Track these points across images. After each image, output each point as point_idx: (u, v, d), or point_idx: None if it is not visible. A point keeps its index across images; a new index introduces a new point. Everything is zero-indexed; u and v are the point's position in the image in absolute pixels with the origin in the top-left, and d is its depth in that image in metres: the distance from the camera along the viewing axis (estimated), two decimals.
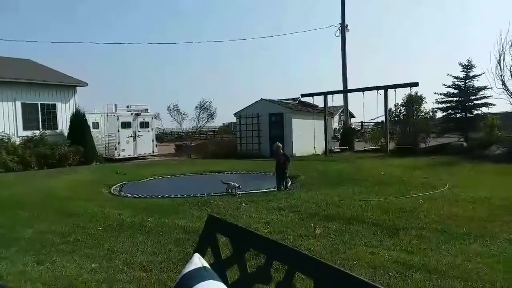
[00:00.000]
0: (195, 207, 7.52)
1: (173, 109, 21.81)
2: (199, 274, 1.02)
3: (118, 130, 19.52)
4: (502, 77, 18.42)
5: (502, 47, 18.30)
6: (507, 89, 18.41)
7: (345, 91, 23.77)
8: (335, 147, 22.67)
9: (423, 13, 77.08)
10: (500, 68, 18.38)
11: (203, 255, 1.32)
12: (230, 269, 1.22)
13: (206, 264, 1.11)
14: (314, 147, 20.90)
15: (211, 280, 0.99)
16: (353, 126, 29.41)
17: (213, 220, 1.42)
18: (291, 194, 8.81)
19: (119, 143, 19.51)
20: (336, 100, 23.32)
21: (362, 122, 34.04)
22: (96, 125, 20.12)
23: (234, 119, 22.92)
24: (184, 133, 25.27)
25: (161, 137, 35.28)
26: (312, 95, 21.74)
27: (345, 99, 24.90)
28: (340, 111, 28.97)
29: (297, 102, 23.30)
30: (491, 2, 66.88)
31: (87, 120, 18.53)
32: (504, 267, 4.00)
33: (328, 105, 21.52)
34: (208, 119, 21.86)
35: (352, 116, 30.77)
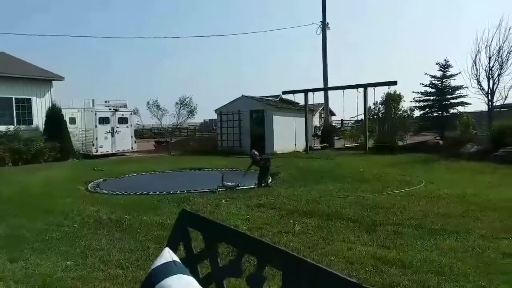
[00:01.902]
0: (174, 204, 7.45)
1: (152, 104, 21.50)
2: (169, 269, 1.00)
3: (96, 126, 19.12)
4: (478, 77, 19.03)
5: (478, 47, 18.91)
6: (482, 89, 19.03)
7: (326, 89, 23.97)
8: (315, 145, 22.86)
9: (403, 12, 78.46)
10: (476, 68, 18.98)
11: (175, 250, 1.29)
12: (202, 263, 1.21)
13: (176, 259, 1.09)
14: (295, 144, 21.02)
15: (181, 274, 0.97)
16: (333, 124, 29.74)
17: (185, 214, 1.40)
18: (271, 191, 8.83)
19: (96, 139, 19.13)
20: (316, 98, 23.50)
21: (342, 120, 34.43)
22: (73, 121, 19.66)
23: (215, 116, 22.78)
24: (164, 129, 24.95)
25: (141, 133, 34.83)
26: (293, 92, 21.83)
27: (326, 97, 25.09)
28: (321, 108, 29.24)
29: (278, 99, 23.36)
30: (469, 3, 68.63)
31: (64, 115, 18.06)
32: (476, 261, 4.11)
33: (309, 103, 21.67)
34: (188, 115, 21.64)
35: (333, 114, 31.11)
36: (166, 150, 21.81)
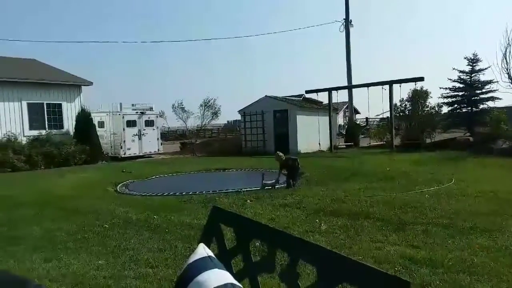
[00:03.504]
0: (200, 204, 7.54)
1: (177, 107, 21.86)
2: (205, 263, 1.03)
3: (124, 129, 19.60)
4: (508, 70, 18.28)
5: (508, 40, 18.17)
6: None
7: (350, 87, 23.68)
8: (340, 143, 22.63)
9: (428, 7, 76.48)
10: (506, 61, 18.23)
11: (208, 245, 1.33)
12: (235, 259, 1.23)
13: (211, 254, 1.12)
14: (319, 144, 20.87)
15: (216, 269, 1.00)
16: (358, 122, 29.33)
17: (217, 211, 1.44)
18: (297, 191, 8.81)
19: (124, 141, 19.60)
20: (340, 96, 23.31)
21: (367, 118, 33.91)
22: (101, 124, 20.21)
23: (238, 117, 22.91)
24: (189, 131, 25.30)
25: (166, 135, 35.41)
26: (316, 91, 21.68)
27: (350, 95, 24.82)
28: (345, 107, 28.92)
29: (301, 98, 23.26)
30: None
31: (93, 119, 18.62)
32: (510, 261, 3.98)
33: (333, 101, 21.47)
34: (212, 116, 21.88)
35: (357, 112, 30.72)
36: (191, 151, 22.11)
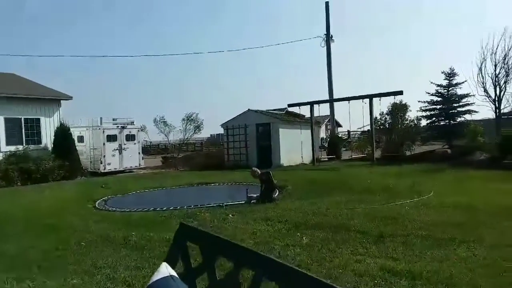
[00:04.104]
0: (181, 219, 7.41)
1: (159, 121, 21.70)
2: (166, 284, 1.00)
3: (104, 144, 19.29)
4: (484, 84, 18.97)
5: (483, 55, 18.88)
6: (489, 96, 18.92)
7: (331, 101, 24.01)
8: (322, 156, 22.77)
9: (406, 23, 78.80)
10: (482, 75, 18.93)
11: (174, 264, 1.30)
12: (201, 277, 1.20)
13: (174, 273, 1.09)
14: (302, 157, 20.96)
15: None
16: (340, 135, 29.63)
17: (184, 229, 1.40)
18: (278, 204, 8.78)
19: (104, 156, 19.27)
20: (322, 110, 23.55)
21: (348, 131, 34.31)
22: (81, 139, 19.85)
23: (221, 130, 22.87)
24: (171, 145, 25.09)
25: (148, 150, 35.02)
26: (298, 105, 21.89)
27: (332, 109, 25.11)
28: (327, 120, 29.20)
29: (284, 112, 23.41)
30: (473, 11, 68.87)
31: (72, 134, 18.27)
32: (487, 271, 4.03)
33: (315, 115, 21.68)
34: (195, 130, 21.78)
35: (339, 125, 31.02)
36: (173, 165, 21.88)
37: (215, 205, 9.04)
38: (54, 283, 4.28)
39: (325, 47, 25.26)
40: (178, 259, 1.27)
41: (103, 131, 19.44)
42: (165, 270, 1.10)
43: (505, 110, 19.01)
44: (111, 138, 19.69)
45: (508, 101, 18.63)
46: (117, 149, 19.80)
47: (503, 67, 18.37)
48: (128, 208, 9.39)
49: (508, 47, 18.22)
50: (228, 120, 21.38)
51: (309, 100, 21.33)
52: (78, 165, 17.92)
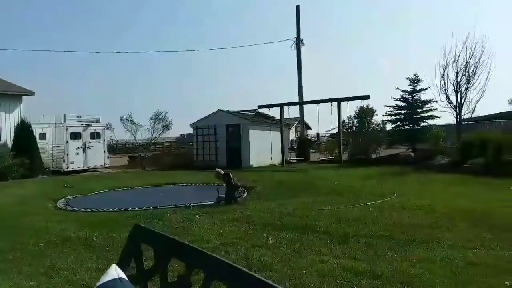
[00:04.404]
0: (146, 220, 7.27)
1: (126, 119, 21.19)
2: (113, 286, 0.97)
3: (67, 141, 18.62)
4: (446, 91, 19.71)
5: (446, 62, 19.62)
6: (450, 102, 19.70)
7: (301, 103, 24.31)
8: (291, 158, 23.00)
9: (373, 29, 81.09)
10: (444, 82, 19.66)
11: (127, 265, 1.26)
12: (153, 279, 1.17)
13: (123, 275, 1.06)
14: (271, 158, 21.08)
15: None
16: (309, 137, 30.04)
17: (138, 230, 1.36)
18: (246, 205, 8.78)
19: (67, 154, 18.61)
20: (292, 112, 23.77)
21: (317, 133, 34.86)
22: (43, 136, 19.07)
23: (191, 130, 22.64)
24: (138, 144, 24.57)
25: (114, 149, 34.13)
26: (269, 106, 22.02)
27: (301, 111, 25.42)
28: (297, 122, 29.53)
29: (254, 113, 23.48)
30: (437, 19, 71.70)
31: (33, 130, 17.52)
32: (445, 271, 4.18)
33: (285, 117, 21.87)
34: (163, 130, 21.43)
35: (309, 128, 31.40)
36: (140, 165, 21.44)
37: (182, 205, 8.92)
38: (9, 286, 4.08)
39: (296, 50, 25.56)
40: (132, 260, 1.23)
41: (67, 129, 18.77)
42: (113, 272, 1.07)
43: (465, 117, 19.84)
44: (75, 136, 19.04)
45: (468, 108, 19.47)
46: (81, 148, 19.17)
47: (464, 74, 19.19)
48: (91, 208, 9.11)
49: (469, 55, 19.07)
50: (198, 120, 21.21)
51: (279, 102, 21.51)
52: (39, 163, 17.20)
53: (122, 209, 8.82)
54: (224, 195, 9.27)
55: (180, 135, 46.25)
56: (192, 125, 21.48)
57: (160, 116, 21.13)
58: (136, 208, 8.82)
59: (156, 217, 7.59)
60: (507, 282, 3.78)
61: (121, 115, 21.52)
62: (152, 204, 9.14)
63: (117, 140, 31.33)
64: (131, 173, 18.69)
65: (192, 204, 8.93)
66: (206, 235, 6.07)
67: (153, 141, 23.25)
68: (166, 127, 21.30)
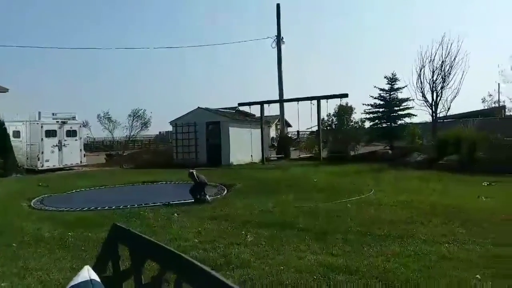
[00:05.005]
0: (123, 219, 7.16)
1: (103, 117, 20.79)
2: (85, 287, 0.96)
3: (42, 139, 18.13)
4: (422, 90, 20.21)
5: (422, 61, 20.09)
6: (426, 101, 20.19)
7: (281, 101, 24.40)
8: (271, 156, 23.08)
9: (351, 26, 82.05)
10: (421, 81, 20.16)
11: (104, 266, 1.24)
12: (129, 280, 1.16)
13: (95, 277, 1.05)
14: (251, 156, 21.09)
15: None
16: (289, 135, 30.19)
17: (116, 230, 1.34)
18: (226, 203, 8.77)
19: (42, 153, 18.12)
20: (273, 110, 23.84)
21: (298, 131, 35.08)
22: (17, 134, 18.52)
23: (171, 128, 22.41)
24: (116, 142, 24.15)
25: (91, 147, 33.48)
26: (249, 104, 22.02)
27: (281, 109, 25.50)
28: (277, 120, 29.64)
29: (234, 111, 23.42)
30: (414, 18, 73.14)
31: (7, 128, 17.00)
32: (418, 266, 4.29)
33: (265, 115, 21.90)
34: (142, 127, 21.13)
35: (289, 125, 31.55)
36: (118, 163, 21.10)
37: (160, 204, 8.83)
38: None
39: (276, 48, 25.61)
40: (108, 261, 1.21)
41: (42, 126, 18.26)
42: (85, 273, 1.05)
43: (441, 115, 20.38)
44: (50, 134, 18.55)
45: (444, 106, 19.99)
46: (56, 145, 18.69)
47: (440, 73, 19.68)
48: (67, 208, 8.90)
49: (445, 55, 19.54)
50: (177, 118, 20.99)
51: (259, 100, 21.54)
52: (13, 161, 16.73)
53: (99, 208, 8.66)
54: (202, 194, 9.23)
55: (160, 132, 45.77)
56: (171, 122, 21.26)
57: (139, 114, 20.82)
58: (113, 207, 8.67)
59: (134, 216, 7.50)
60: (478, 276, 3.89)
61: (98, 112, 21.05)
62: (130, 203, 9.01)
63: (94, 138, 30.70)
64: (108, 171, 18.36)
65: (171, 202, 8.85)
66: (185, 233, 6.03)
67: (131, 139, 22.88)
68: (145, 124, 21.03)
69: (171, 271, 1.03)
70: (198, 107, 20.81)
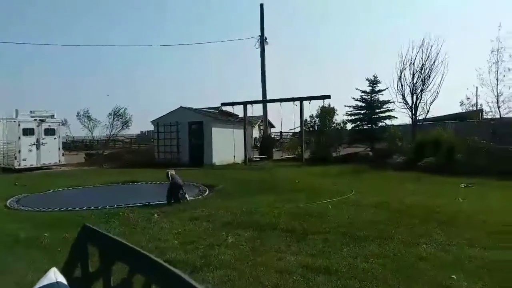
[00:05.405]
0: (101, 219, 7.06)
1: (83, 115, 20.39)
2: None
3: (19, 138, 17.69)
4: (403, 92, 20.50)
5: (403, 64, 20.40)
6: (406, 103, 20.51)
7: (264, 101, 24.43)
8: (254, 156, 23.08)
9: (334, 29, 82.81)
10: (401, 84, 20.44)
11: (74, 267, 1.21)
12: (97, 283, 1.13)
13: (61, 279, 1.01)
14: (234, 156, 21.04)
15: None
16: (272, 136, 30.26)
17: (86, 230, 1.30)
18: (207, 204, 8.72)
19: (19, 151, 17.67)
20: (256, 110, 23.86)
21: (281, 132, 35.19)
22: None
23: (152, 127, 22.16)
24: (96, 141, 23.72)
25: (70, 146, 32.79)
26: (232, 104, 21.98)
27: (264, 109, 25.56)
28: (260, 121, 29.67)
29: (218, 111, 23.34)
30: (394, 21, 74.32)
31: None
32: (396, 266, 4.35)
33: (249, 115, 21.89)
34: (123, 126, 20.81)
35: (272, 126, 31.62)
36: (97, 163, 20.73)
37: (140, 204, 8.71)
38: None
39: (260, 48, 25.64)
40: (77, 263, 1.18)
41: (19, 124, 17.82)
42: (52, 275, 1.02)
43: (421, 117, 20.70)
44: (28, 132, 18.12)
45: (423, 109, 20.33)
46: (34, 144, 18.26)
47: (420, 76, 20.02)
48: (44, 208, 8.70)
49: (424, 58, 19.90)
50: (160, 117, 20.80)
51: (243, 100, 21.52)
52: None
53: (77, 209, 8.49)
54: (186, 194, 9.16)
55: (141, 132, 45.22)
56: (153, 121, 21.04)
57: (120, 112, 20.49)
58: (92, 208, 8.52)
59: (113, 216, 7.37)
60: (453, 276, 3.97)
61: (77, 110, 20.63)
62: (109, 203, 8.86)
63: (73, 137, 30.08)
64: (87, 171, 18.04)
65: (152, 203, 8.75)
66: (164, 234, 5.96)
67: (112, 138, 22.50)
68: (126, 123, 20.70)
69: (140, 273, 1.01)
70: (181, 107, 20.67)
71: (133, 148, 30.57)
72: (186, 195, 9.12)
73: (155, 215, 7.37)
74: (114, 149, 27.16)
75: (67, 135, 23.03)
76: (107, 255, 1.17)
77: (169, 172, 9.31)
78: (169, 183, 9.13)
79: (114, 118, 20.24)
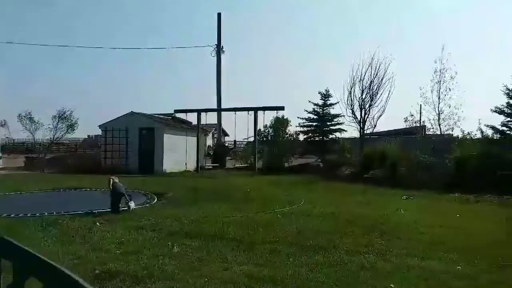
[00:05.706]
0: (38, 228, 6.59)
1: (25, 117, 19.14)
2: None
3: None
4: (352, 107, 21.28)
5: (353, 80, 21.21)
6: (355, 117, 21.30)
7: (219, 110, 24.35)
8: (207, 164, 22.83)
9: (290, 41, 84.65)
10: (351, 98, 21.22)
11: None
12: None
13: None
14: (186, 164, 20.69)
15: None
16: (226, 144, 30.16)
17: (1, 244, 1.18)
18: (155, 212, 8.44)
19: None
20: (210, 118, 23.67)
21: (235, 141, 35.19)
22: None
23: (100, 132, 21.25)
24: (38, 144, 22.31)
25: (9, 148, 30.61)
26: (186, 111, 21.66)
27: (219, 118, 25.48)
28: (214, 129, 29.50)
29: (170, 117, 22.89)
30: (348, 39, 77.25)
31: None
32: (339, 275, 4.43)
33: (203, 123, 21.67)
34: (67, 129, 19.74)
35: (226, 135, 31.54)
36: (39, 167, 19.50)
37: (82, 212, 8.26)
38: None
39: (216, 57, 25.62)
40: None
41: None
42: None
43: (368, 131, 21.59)
44: None
45: (371, 123, 21.21)
46: None
47: (369, 92, 20.91)
48: None
49: (373, 75, 20.82)
50: (108, 121, 19.99)
51: (197, 108, 21.28)
52: None
53: (12, 215, 7.87)
54: (133, 202, 8.79)
55: (88, 136, 43.32)
56: (101, 126, 20.19)
57: (65, 115, 19.45)
58: (28, 215, 7.94)
59: (50, 224, 6.91)
60: (392, 285, 4.11)
61: (19, 112, 19.32)
62: (48, 210, 8.30)
63: (13, 139, 28.14)
64: (27, 175, 16.90)
65: (95, 211, 8.32)
66: (106, 243, 5.68)
67: (55, 141, 21.28)
68: (71, 127, 19.65)
69: None
70: (132, 111, 20.05)
71: (78, 153, 29.14)
72: (131, 204, 8.71)
73: (98, 224, 7.02)
74: (57, 153, 25.72)
75: (6, 137, 21.47)
76: (21, 270, 1.06)
77: (111, 179, 8.91)
78: (110, 191, 8.72)
79: (58, 121, 19.14)
